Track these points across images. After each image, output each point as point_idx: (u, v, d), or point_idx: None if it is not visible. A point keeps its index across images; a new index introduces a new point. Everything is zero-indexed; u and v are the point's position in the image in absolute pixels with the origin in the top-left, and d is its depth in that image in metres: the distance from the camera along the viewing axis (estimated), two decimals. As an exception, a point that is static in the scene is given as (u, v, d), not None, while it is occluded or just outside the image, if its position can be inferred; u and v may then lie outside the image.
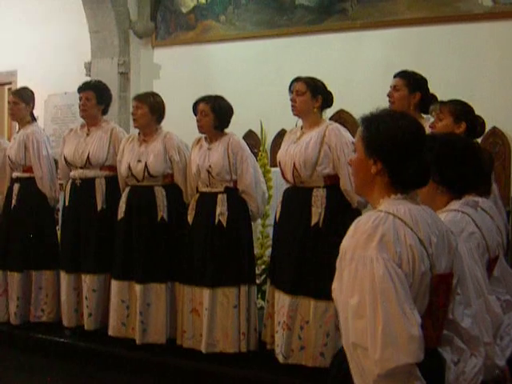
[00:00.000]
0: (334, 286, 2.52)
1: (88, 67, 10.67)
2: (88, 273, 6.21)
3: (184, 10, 10.53)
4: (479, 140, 4.96)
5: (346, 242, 2.48)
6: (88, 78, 9.14)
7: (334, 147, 5.15)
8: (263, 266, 6.67)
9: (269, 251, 6.13)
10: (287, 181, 5.40)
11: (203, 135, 5.83)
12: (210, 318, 5.54)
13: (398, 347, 2.28)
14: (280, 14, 9.85)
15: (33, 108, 6.82)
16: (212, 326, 5.55)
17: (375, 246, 2.37)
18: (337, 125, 5.34)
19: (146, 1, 10.65)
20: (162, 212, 5.89)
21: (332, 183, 5.21)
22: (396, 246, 2.39)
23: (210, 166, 5.60)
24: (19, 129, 6.78)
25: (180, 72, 10.16)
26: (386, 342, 2.28)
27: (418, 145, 2.56)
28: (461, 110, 4.75)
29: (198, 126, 5.73)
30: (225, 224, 5.57)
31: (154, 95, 6.13)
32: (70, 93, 11.11)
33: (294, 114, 5.40)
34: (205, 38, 10.25)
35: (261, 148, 7.52)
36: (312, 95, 5.29)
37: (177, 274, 5.86)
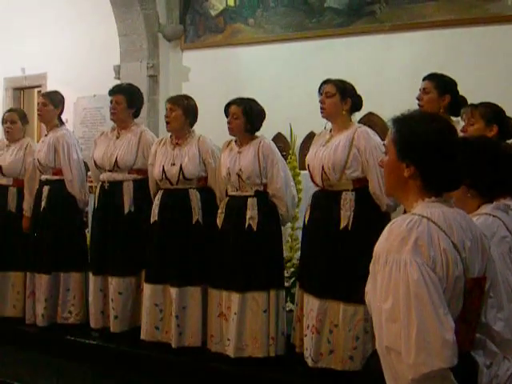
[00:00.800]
0: (367, 289, 2.51)
1: (117, 70, 10.73)
2: (114, 275, 6.21)
3: (213, 13, 10.56)
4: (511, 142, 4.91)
5: (380, 246, 2.46)
6: (117, 81, 9.20)
7: (363, 150, 5.12)
8: (292, 269, 6.65)
9: (298, 254, 6.11)
10: (316, 184, 5.38)
11: (233, 138, 5.81)
12: (239, 322, 5.50)
13: (432, 352, 2.26)
14: (309, 16, 9.85)
15: (61, 112, 6.84)
16: (241, 331, 5.51)
17: (409, 250, 2.36)
18: (366, 128, 5.31)
19: (175, 4, 10.69)
20: (197, 215, 5.87)
21: (361, 186, 5.17)
22: (430, 250, 2.37)
23: (240, 170, 5.56)
24: (48, 132, 6.80)
25: (209, 75, 10.19)
26: (419, 347, 2.26)
27: (451, 148, 2.54)
28: (492, 113, 4.72)
29: (229, 129, 5.69)
30: (255, 228, 5.53)
31: (188, 98, 6.10)
32: (99, 95, 11.19)
33: (323, 116, 5.38)
34: (233, 40, 10.28)
35: (290, 151, 7.50)
36: (341, 98, 5.26)
37: (208, 278, 5.83)
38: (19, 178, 6.95)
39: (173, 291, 5.84)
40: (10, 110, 7.59)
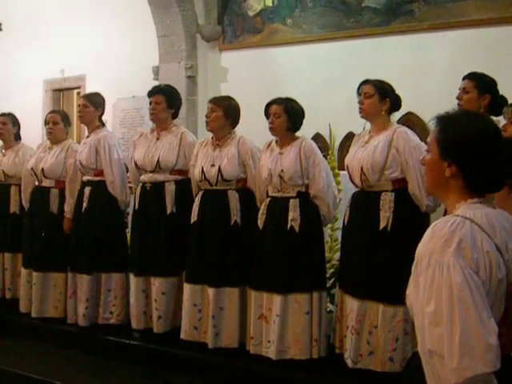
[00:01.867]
0: (409, 291, 2.49)
1: (156, 71, 10.77)
2: (157, 276, 6.25)
3: (251, 14, 10.56)
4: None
5: (422, 248, 2.44)
6: (156, 82, 9.23)
7: (402, 151, 5.10)
8: (332, 270, 6.63)
9: (338, 255, 6.10)
10: (355, 185, 5.37)
11: (274, 139, 5.81)
12: (282, 324, 5.49)
13: (476, 356, 2.24)
14: (347, 16, 9.81)
15: (102, 113, 6.90)
16: (283, 333, 5.50)
17: (452, 252, 2.34)
18: (405, 128, 5.29)
19: (213, 5, 10.71)
20: (236, 216, 5.88)
21: (400, 187, 5.16)
22: (473, 253, 2.35)
23: (281, 171, 5.55)
24: (89, 133, 6.86)
25: (247, 75, 10.19)
26: (463, 351, 2.24)
27: (494, 148, 2.51)
28: (534, 112, 4.67)
29: (271, 129, 5.69)
30: (297, 229, 5.52)
31: (230, 99, 6.12)
32: (138, 97, 11.25)
33: (362, 117, 5.37)
34: (272, 41, 10.26)
35: (329, 151, 7.48)
36: (380, 98, 5.25)
37: (247, 279, 5.83)
38: (61, 179, 7.02)
39: (210, 291, 5.87)
40: (52, 112, 7.68)
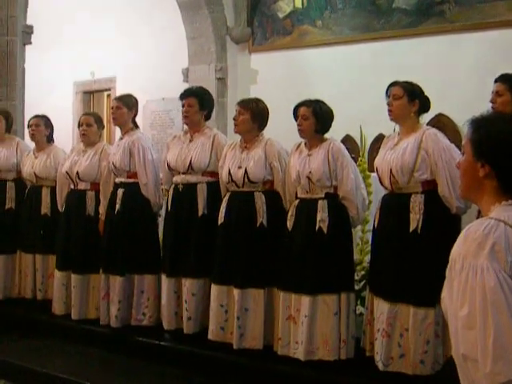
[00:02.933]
0: (443, 295, 2.47)
1: (185, 73, 10.83)
2: (188, 277, 6.27)
3: (280, 15, 10.58)
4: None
5: (456, 251, 2.42)
6: (185, 84, 9.29)
7: (432, 153, 5.07)
8: (362, 272, 6.62)
9: (368, 257, 6.08)
10: (385, 187, 5.35)
11: (302, 141, 5.81)
12: (310, 325, 5.48)
13: (509, 361, 2.22)
14: (377, 17, 9.81)
15: (135, 115, 6.91)
16: (311, 334, 5.49)
17: (486, 255, 2.31)
18: (434, 130, 5.26)
19: (243, 7, 10.74)
20: (262, 218, 5.88)
21: (430, 189, 5.13)
22: (507, 256, 2.33)
23: (310, 172, 5.55)
24: (122, 135, 6.88)
25: (277, 77, 10.21)
26: (496, 356, 2.22)
27: None
28: None
29: (299, 130, 5.68)
30: (325, 230, 5.50)
31: (258, 102, 6.11)
32: (167, 98, 11.32)
33: (391, 119, 5.35)
34: (301, 42, 10.28)
35: (360, 153, 7.46)
36: (409, 100, 5.23)
37: (275, 280, 5.84)
38: (96, 182, 7.04)
39: (235, 292, 5.88)
40: (86, 114, 7.72)
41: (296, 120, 5.72)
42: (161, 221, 6.93)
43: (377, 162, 5.40)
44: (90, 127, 7.09)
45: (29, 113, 8.27)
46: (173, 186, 6.45)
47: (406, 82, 5.32)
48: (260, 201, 5.90)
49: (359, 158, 7.19)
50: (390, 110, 5.29)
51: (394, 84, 5.34)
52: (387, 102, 5.31)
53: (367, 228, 6.67)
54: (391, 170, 5.16)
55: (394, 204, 5.26)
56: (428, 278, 4.82)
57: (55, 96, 13.04)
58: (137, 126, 6.94)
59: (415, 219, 5.08)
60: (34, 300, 7.63)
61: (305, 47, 10.23)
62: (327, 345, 5.48)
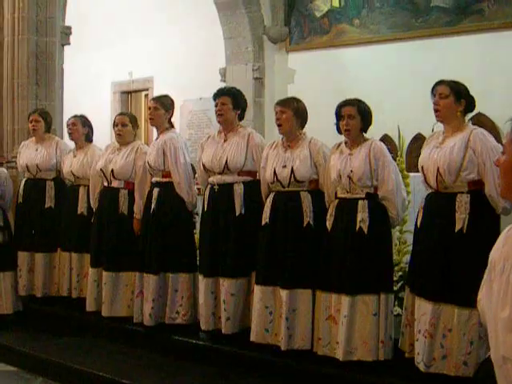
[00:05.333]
0: (480, 296, 2.43)
1: (223, 73, 10.85)
2: (226, 277, 6.25)
3: (318, 14, 10.56)
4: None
5: (496, 253, 2.38)
6: (223, 84, 9.31)
7: (480, 152, 5.01)
8: (400, 273, 6.57)
9: (406, 258, 6.04)
10: (430, 186, 5.29)
11: (343, 140, 5.76)
12: (349, 325, 5.45)
13: None
14: (415, 16, 9.76)
15: (171, 115, 6.94)
16: (350, 334, 5.46)
17: None
18: (482, 129, 5.20)
19: (280, 6, 10.74)
20: (309, 217, 5.85)
21: (476, 188, 5.07)
22: None
23: (351, 172, 5.52)
24: (158, 135, 6.92)
25: (314, 76, 10.19)
26: None
27: None
28: None
29: (346, 130, 5.62)
30: (366, 230, 5.47)
31: (297, 100, 6.09)
32: (205, 98, 11.33)
33: (438, 119, 5.29)
34: (339, 41, 10.26)
35: (398, 153, 7.41)
36: (455, 99, 5.18)
37: (317, 280, 5.80)
38: (130, 180, 7.09)
39: (283, 293, 5.84)
40: (121, 114, 7.77)
41: (338, 120, 5.68)
42: (197, 220, 6.95)
43: (422, 160, 5.34)
44: (124, 127, 7.14)
45: (68, 113, 8.33)
46: (209, 186, 6.45)
47: (453, 81, 5.27)
48: (306, 200, 5.87)
49: (397, 158, 7.13)
50: (436, 110, 5.24)
51: (440, 83, 5.29)
52: (433, 100, 5.25)
53: (405, 228, 6.63)
54: (438, 168, 5.11)
55: (440, 203, 5.20)
56: (473, 279, 4.71)
57: (94, 96, 13.12)
58: (172, 126, 6.96)
59: (461, 219, 5.03)
60: (70, 298, 7.69)
61: (342, 46, 10.20)
62: (366, 345, 5.45)
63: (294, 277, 5.83)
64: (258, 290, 6.00)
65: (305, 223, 5.84)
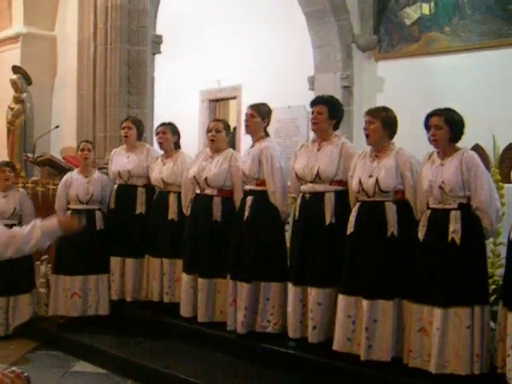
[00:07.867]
0: None
1: (311, 81, 10.84)
2: (314, 286, 6.24)
3: (407, 22, 10.47)
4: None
5: None
6: (311, 92, 9.30)
7: None
8: (494, 286, 6.44)
9: (500, 271, 5.91)
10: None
11: (435, 150, 5.69)
12: (441, 338, 5.38)
13: None
14: (507, 23, 9.61)
15: (267, 124, 6.96)
16: (443, 347, 5.38)
17: None
18: None
19: (369, 14, 10.68)
20: (393, 228, 5.81)
21: None
22: None
23: (443, 182, 5.45)
24: (253, 143, 6.93)
25: (404, 85, 10.10)
26: None
27: None
28: None
29: (433, 141, 5.58)
30: (458, 242, 5.40)
31: (387, 110, 6.06)
32: (293, 106, 11.36)
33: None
34: (429, 49, 10.15)
35: (494, 163, 7.28)
36: None
37: (405, 292, 5.75)
38: (223, 188, 7.14)
39: (364, 303, 5.81)
40: (215, 120, 7.85)
41: (427, 130, 5.63)
42: (288, 229, 6.95)
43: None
44: (219, 133, 7.20)
45: (157, 120, 8.44)
46: (300, 194, 6.46)
47: None
48: (391, 211, 5.83)
49: (492, 169, 7.00)
50: None
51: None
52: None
53: (499, 240, 6.50)
54: None
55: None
56: None
57: (182, 104, 13.26)
58: (268, 135, 6.97)
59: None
60: (160, 303, 7.78)
61: (432, 54, 10.09)
62: (459, 358, 5.36)
63: (376, 287, 5.80)
64: (341, 299, 5.99)
65: (388, 233, 5.80)
